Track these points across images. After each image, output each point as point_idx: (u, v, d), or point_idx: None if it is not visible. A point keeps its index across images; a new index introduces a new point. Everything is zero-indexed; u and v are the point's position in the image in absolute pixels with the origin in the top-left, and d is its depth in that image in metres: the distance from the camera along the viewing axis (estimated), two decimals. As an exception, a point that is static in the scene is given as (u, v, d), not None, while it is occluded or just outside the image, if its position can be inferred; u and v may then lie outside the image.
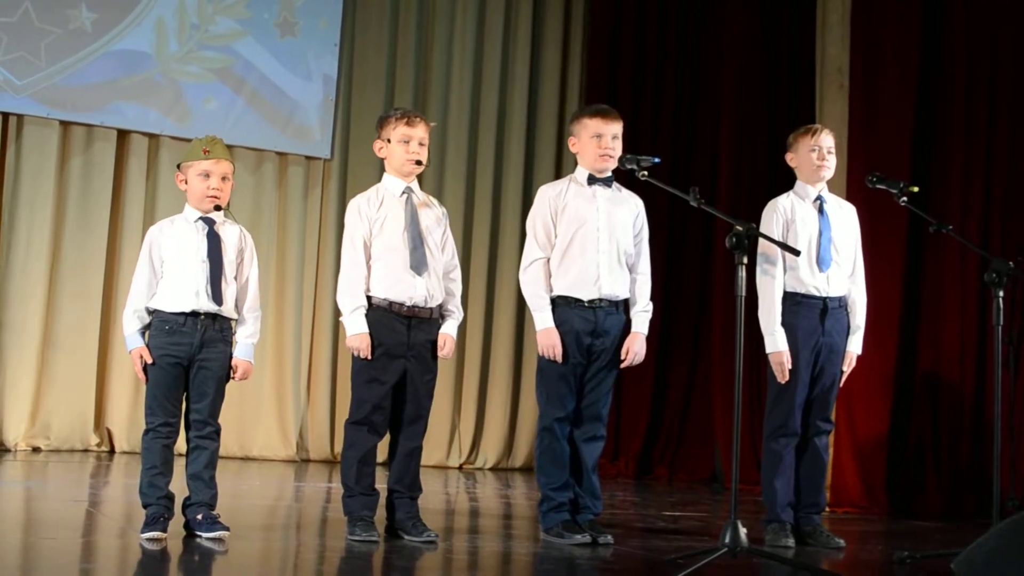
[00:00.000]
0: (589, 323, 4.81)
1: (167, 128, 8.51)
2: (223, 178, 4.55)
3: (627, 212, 4.97)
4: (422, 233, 4.70)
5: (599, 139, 4.88)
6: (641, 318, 4.93)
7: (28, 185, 8.12)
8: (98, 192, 8.31)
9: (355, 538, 4.49)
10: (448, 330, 4.74)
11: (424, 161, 4.78)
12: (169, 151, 8.46)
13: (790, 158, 5.31)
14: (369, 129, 8.54)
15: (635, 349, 4.88)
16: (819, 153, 5.20)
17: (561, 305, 4.83)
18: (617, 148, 4.90)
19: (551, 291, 4.86)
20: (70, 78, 8.26)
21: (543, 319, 4.82)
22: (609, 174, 4.95)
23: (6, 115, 8.14)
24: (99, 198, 8.31)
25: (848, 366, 5.21)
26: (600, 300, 4.82)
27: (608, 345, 4.84)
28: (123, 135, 8.45)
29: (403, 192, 4.74)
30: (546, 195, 4.95)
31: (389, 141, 4.73)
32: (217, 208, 4.56)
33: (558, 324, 4.80)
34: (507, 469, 9.09)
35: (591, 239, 4.85)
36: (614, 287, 4.85)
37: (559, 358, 4.77)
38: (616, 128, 4.92)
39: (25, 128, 8.16)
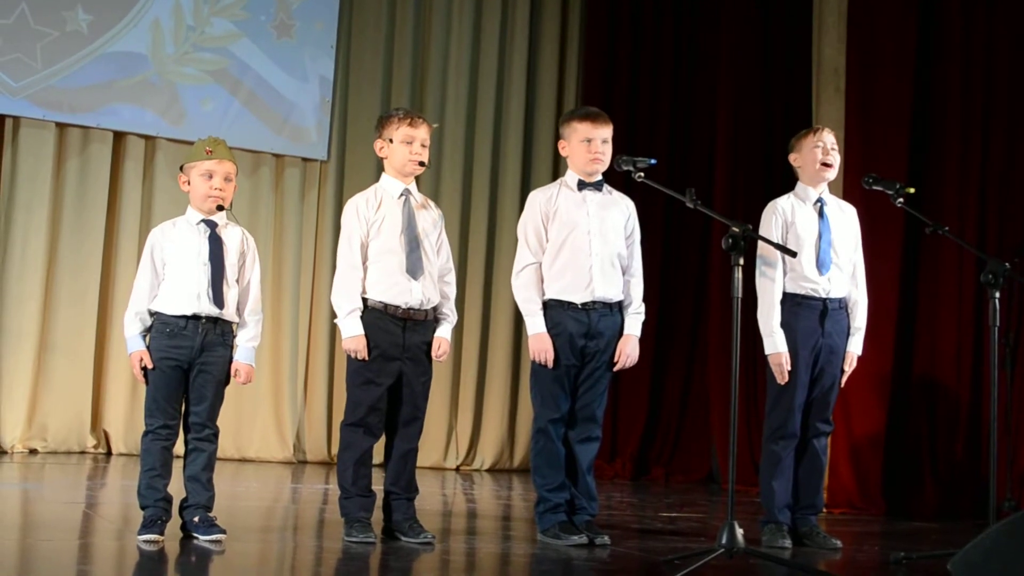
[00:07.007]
0: (583, 325, 4.79)
1: (163, 130, 8.50)
2: (226, 179, 4.54)
3: (619, 214, 4.95)
4: (419, 236, 4.69)
5: (589, 143, 4.86)
6: (634, 320, 4.91)
7: (24, 187, 8.11)
8: (94, 194, 8.30)
9: (352, 539, 4.49)
10: (442, 333, 4.73)
11: (426, 162, 4.77)
12: (165, 153, 8.47)
13: (794, 158, 5.29)
14: (365, 131, 8.59)
15: (627, 351, 4.87)
16: (823, 148, 5.19)
17: (554, 307, 4.81)
18: (607, 152, 4.88)
19: (544, 295, 4.84)
20: (66, 80, 8.26)
21: (535, 324, 4.81)
22: (599, 177, 4.95)
23: (2, 117, 8.14)
24: (95, 200, 8.30)
25: (849, 366, 5.20)
26: (594, 303, 4.80)
27: (602, 347, 4.83)
28: (119, 137, 8.45)
29: (401, 194, 4.73)
30: (536, 200, 4.94)
31: (391, 141, 4.71)
32: (219, 208, 4.55)
33: (552, 326, 4.79)
34: (505, 470, 9.08)
35: (583, 243, 4.83)
36: (607, 290, 4.83)
37: (551, 363, 4.76)
38: (606, 132, 4.89)
39: (21, 130, 8.16)
